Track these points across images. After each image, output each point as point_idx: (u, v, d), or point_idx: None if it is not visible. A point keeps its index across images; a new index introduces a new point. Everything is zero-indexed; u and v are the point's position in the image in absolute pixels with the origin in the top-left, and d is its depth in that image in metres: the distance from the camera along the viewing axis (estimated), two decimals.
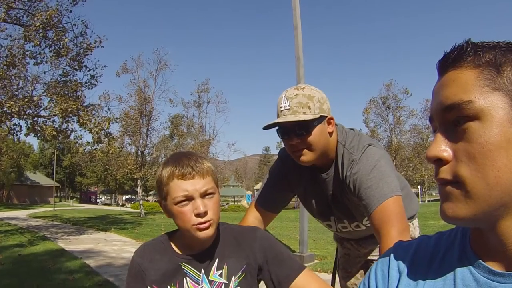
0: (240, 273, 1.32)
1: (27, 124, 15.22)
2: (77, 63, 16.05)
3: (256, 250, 1.35)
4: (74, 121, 15.82)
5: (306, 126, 1.70)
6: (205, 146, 35.30)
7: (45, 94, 15.71)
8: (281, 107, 1.73)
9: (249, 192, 62.19)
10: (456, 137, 0.65)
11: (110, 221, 22.48)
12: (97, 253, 10.42)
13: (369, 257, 2.32)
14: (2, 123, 15.10)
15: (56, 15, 14.77)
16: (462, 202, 0.63)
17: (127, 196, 78.40)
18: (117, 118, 21.57)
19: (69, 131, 16.40)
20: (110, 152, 17.85)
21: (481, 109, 0.62)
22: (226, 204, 52.33)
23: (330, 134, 1.80)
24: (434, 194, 69.00)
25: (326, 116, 1.76)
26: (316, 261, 8.90)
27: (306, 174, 1.97)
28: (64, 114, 14.79)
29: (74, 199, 77.39)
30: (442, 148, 0.66)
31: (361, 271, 2.37)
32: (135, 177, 30.74)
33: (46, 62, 15.54)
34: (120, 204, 68.44)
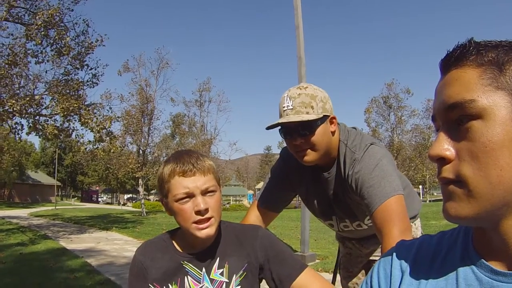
0: (241, 272, 1.32)
1: (29, 123, 15.27)
2: (78, 62, 16.09)
3: (257, 248, 1.35)
4: (75, 120, 15.86)
5: (309, 126, 1.69)
6: (207, 145, 35.31)
7: (46, 93, 15.75)
8: (284, 107, 1.72)
9: (251, 192, 62.17)
10: (459, 136, 0.65)
11: (111, 220, 22.49)
12: (99, 252, 10.42)
13: (371, 257, 2.31)
14: (4, 122, 15.14)
15: (57, 14, 14.79)
16: (465, 201, 0.63)
17: (129, 195, 78.44)
18: (118, 117, 21.59)
19: (70, 130, 16.44)
20: (112, 151, 17.90)
21: (483, 108, 0.62)
22: (228, 203, 52.36)
23: (333, 133, 1.80)
24: (435, 194, 68.90)
25: (329, 116, 1.76)
26: (317, 260, 8.89)
27: (308, 173, 1.97)
28: (65, 113, 14.81)
29: (76, 198, 77.41)
30: (445, 147, 0.66)
31: (363, 271, 2.37)
32: (136, 176, 30.79)
33: (48, 61, 15.58)
34: (122, 203, 68.47)
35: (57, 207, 39.55)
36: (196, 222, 1.24)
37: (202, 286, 1.29)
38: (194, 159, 1.29)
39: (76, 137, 17.43)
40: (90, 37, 16.31)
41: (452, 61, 0.68)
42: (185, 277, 1.30)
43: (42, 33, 14.59)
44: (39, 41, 14.63)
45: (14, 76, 14.88)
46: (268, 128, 1.76)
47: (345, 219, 2.06)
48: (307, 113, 1.69)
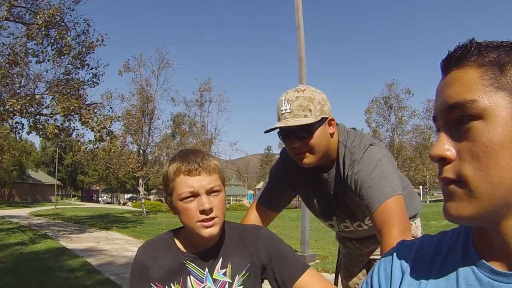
0: (244, 272, 1.32)
1: (29, 122, 15.28)
2: (79, 61, 16.10)
3: (260, 249, 1.35)
4: (76, 120, 15.87)
5: (307, 129, 1.70)
6: (207, 145, 35.33)
7: (47, 92, 15.77)
8: (282, 110, 1.73)
9: (251, 192, 62.18)
10: (459, 136, 0.65)
11: (111, 220, 22.50)
12: (99, 252, 10.43)
13: (371, 257, 2.32)
14: (4, 121, 15.14)
15: (58, 14, 14.80)
16: (466, 201, 0.63)
17: (130, 195, 78.47)
18: (119, 116, 21.54)
19: (71, 130, 16.45)
20: (112, 150, 17.91)
21: (484, 108, 0.62)
22: (228, 203, 52.38)
23: (331, 135, 1.80)
24: (435, 194, 68.88)
25: (327, 118, 1.76)
26: (317, 261, 8.90)
27: (307, 174, 1.97)
28: (66, 112, 14.83)
29: (76, 198, 77.41)
30: (446, 147, 0.66)
31: (363, 271, 2.37)
32: (136, 175, 30.85)
33: (49, 60, 15.60)
34: (122, 202, 68.51)
35: (57, 207, 39.54)
36: (200, 221, 1.24)
37: (204, 286, 1.29)
38: (200, 158, 1.28)
39: (76, 137, 17.50)
40: (90, 36, 16.36)
41: (453, 61, 0.68)
42: (188, 276, 1.30)
43: (43, 32, 14.60)
44: (40, 41, 14.64)
45: (15, 75, 14.90)
46: (267, 131, 1.77)
47: (345, 220, 2.06)
48: (305, 116, 1.69)
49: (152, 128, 31.65)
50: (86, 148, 18.94)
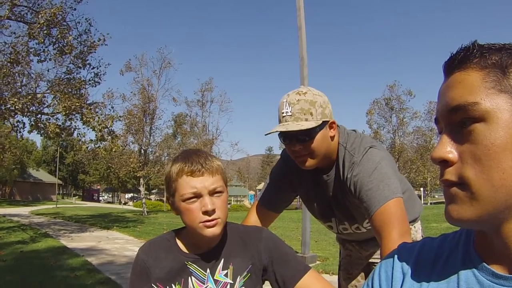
0: (245, 273, 1.31)
1: (31, 121, 15.28)
2: (81, 61, 16.10)
3: (261, 250, 1.35)
4: (77, 119, 15.89)
5: (308, 133, 1.70)
6: (208, 146, 35.36)
7: (48, 91, 15.77)
8: (283, 113, 1.72)
9: (252, 192, 62.21)
10: (461, 138, 0.65)
11: (112, 219, 22.51)
12: (99, 251, 10.43)
13: (370, 260, 2.31)
14: (6, 120, 15.15)
15: (60, 13, 14.80)
16: (467, 204, 0.63)
17: (131, 195, 78.49)
18: (120, 116, 21.57)
19: (72, 129, 16.47)
20: (113, 150, 17.89)
21: (487, 110, 0.62)
22: (229, 204, 52.21)
23: (332, 138, 1.80)
24: (436, 196, 68.88)
25: (328, 121, 1.76)
26: (318, 262, 8.90)
27: (308, 175, 1.97)
28: (67, 111, 14.84)
29: (77, 197, 77.58)
30: (448, 149, 0.66)
31: (362, 274, 2.37)
32: (137, 175, 30.87)
33: (50, 59, 15.60)
34: (123, 202, 68.54)
35: (58, 206, 39.56)
36: (203, 222, 1.24)
37: (206, 287, 1.29)
38: (203, 159, 1.28)
39: (77, 136, 17.52)
40: (92, 36, 16.34)
41: (455, 63, 0.68)
42: (189, 277, 1.30)
43: (45, 31, 14.61)
44: (42, 40, 14.65)
45: (16, 74, 14.91)
46: (267, 134, 1.77)
47: (344, 222, 2.06)
48: (306, 119, 1.68)
49: (153, 128, 31.73)
50: (87, 147, 18.96)
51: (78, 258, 9.16)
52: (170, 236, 1.40)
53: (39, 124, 15.30)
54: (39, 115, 15.52)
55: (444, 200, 0.68)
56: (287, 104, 1.71)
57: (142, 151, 31.45)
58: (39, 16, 14.22)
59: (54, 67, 16.14)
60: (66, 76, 16.12)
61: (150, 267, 1.31)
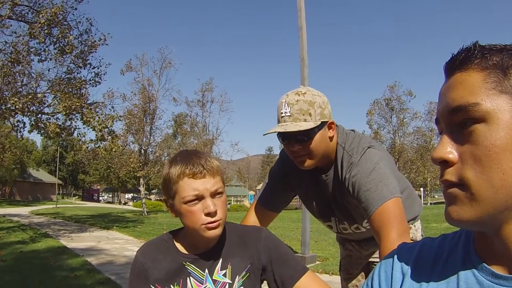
0: (244, 273, 1.31)
1: (31, 121, 15.27)
2: (81, 60, 16.08)
3: (260, 250, 1.35)
4: (77, 119, 15.86)
5: (307, 134, 1.70)
6: (208, 146, 35.33)
7: (49, 91, 15.75)
8: (281, 113, 1.72)
9: (252, 192, 62.23)
10: (462, 139, 0.65)
11: (112, 219, 22.49)
12: (99, 251, 10.43)
13: (370, 259, 2.32)
14: (6, 120, 15.14)
15: (61, 13, 14.79)
16: (467, 205, 0.63)
17: (131, 195, 78.45)
18: (120, 116, 21.55)
19: (72, 129, 16.44)
20: (113, 150, 17.85)
21: (487, 111, 0.62)
22: (229, 204, 52.32)
23: (331, 138, 1.80)
24: (436, 196, 68.87)
25: (327, 121, 1.76)
26: (317, 262, 8.89)
27: (306, 175, 1.97)
28: (67, 111, 14.83)
29: (77, 197, 77.53)
30: (448, 150, 0.66)
31: (362, 273, 2.37)
32: (138, 175, 30.83)
33: (51, 59, 15.58)
34: (123, 202, 68.52)
35: (58, 206, 39.55)
36: (205, 224, 1.24)
37: (205, 287, 1.29)
38: (204, 161, 1.27)
39: (78, 136, 17.49)
40: (93, 36, 16.32)
41: (456, 64, 0.68)
42: (188, 278, 1.29)
43: (45, 31, 14.60)
44: (42, 40, 14.63)
45: (17, 74, 14.90)
46: (265, 134, 1.77)
47: (343, 221, 2.06)
48: (305, 120, 1.68)
49: (153, 128, 31.65)
50: (87, 147, 18.91)
51: (78, 258, 9.15)
52: (167, 237, 1.39)
53: (39, 124, 15.29)
54: (40, 115, 15.50)
55: (444, 200, 0.68)
56: (286, 104, 1.71)
57: (142, 151, 31.40)
58: (40, 16, 14.21)
59: (54, 67, 16.14)
60: (66, 76, 16.11)
61: (148, 269, 1.31)
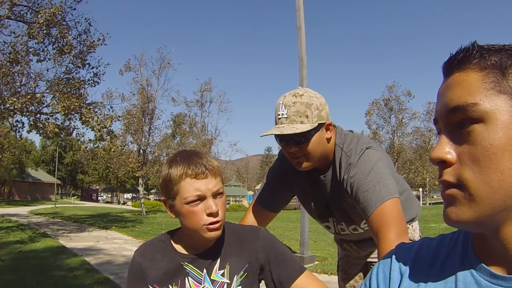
0: (242, 272, 1.31)
1: (30, 121, 15.25)
2: (80, 60, 16.06)
3: (258, 249, 1.35)
4: (76, 119, 15.84)
5: (303, 136, 1.70)
6: (207, 146, 35.33)
7: (48, 91, 15.74)
8: (278, 115, 1.72)
9: (251, 192, 62.21)
10: (460, 139, 0.65)
11: (111, 219, 22.49)
12: (98, 251, 10.43)
13: (368, 259, 2.32)
14: (5, 120, 15.13)
15: (59, 13, 14.77)
16: (466, 205, 0.63)
17: (130, 195, 78.35)
18: (119, 116, 21.56)
19: (71, 129, 16.44)
20: (112, 150, 17.86)
21: (486, 111, 0.62)
22: (228, 204, 52.33)
23: (328, 140, 1.80)
24: (435, 197, 68.92)
25: (325, 123, 1.76)
26: (316, 262, 8.90)
27: (305, 175, 1.96)
28: (66, 111, 14.82)
29: (75, 197, 77.37)
30: (446, 150, 0.65)
31: (360, 274, 2.37)
32: (136, 175, 30.80)
33: (49, 59, 15.55)
34: (122, 202, 68.47)
35: (56, 206, 39.52)
36: (207, 224, 1.23)
37: (203, 287, 1.29)
38: (205, 161, 1.27)
39: (76, 136, 17.50)
40: (92, 36, 16.30)
41: (455, 64, 0.67)
42: (186, 278, 1.29)
43: (44, 31, 14.58)
44: (41, 39, 14.61)
45: (16, 74, 14.87)
46: (263, 136, 1.77)
47: (341, 222, 2.06)
48: (302, 122, 1.68)
49: (152, 128, 31.64)
50: (86, 147, 18.92)
51: (76, 258, 9.15)
52: (165, 237, 1.39)
53: (38, 124, 15.27)
54: (38, 115, 15.49)
55: (442, 201, 0.68)
56: (283, 106, 1.71)
57: (141, 151, 31.39)
58: (39, 16, 14.18)
59: (53, 67, 16.11)
60: (65, 76, 16.08)
61: (146, 269, 1.31)
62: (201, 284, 1.29)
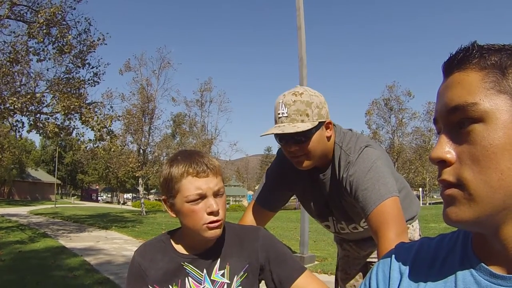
0: (242, 272, 1.31)
1: (30, 121, 15.24)
2: (80, 60, 16.06)
3: (258, 249, 1.35)
4: (76, 119, 15.83)
5: (304, 134, 1.69)
6: (207, 146, 35.32)
7: (47, 91, 15.74)
8: (278, 114, 1.72)
9: (250, 192, 62.21)
10: (460, 139, 0.65)
11: (111, 219, 22.49)
12: (98, 251, 10.43)
13: (368, 259, 2.31)
14: (5, 119, 15.13)
15: (59, 12, 14.76)
16: (465, 205, 0.63)
17: (130, 194, 78.31)
18: (119, 116, 21.51)
19: (71, 128, 16.43)
20: (112, 150, 17.86)
21: (485, 111, 0.62)
22: (227, 204, 52.17)
23: (328, 138, 1.80)
24: (435, 196, 68.85)
25: (325, 121, 1.76)
26: (316, 262, 8.90)
27: (304, 174, 1.96)
28: (66, 111, 14.81)
29: (75, 197, 77.34)
30: (446, 149, 0.65)
31: (360, 273, 2.37)
32: (136, 175, 30.80)
33: (49, 59, 15.54)
34: (122, 202, 68.46)
35: (56, 206, 39.51)
36: (207, 223, 1.23)
37: (203, 287, 1.28)
38: (207, 160, 1.27)
39: (76, 136, 17.46)
40: (92, 35, 16.28)
41: (455, 63, 0.67)
42: (186, 278, 1.29)
43: (44, 31, 14.57)
44: (41, 39, 14.60)
45: (16, 73, 14.86)
46: (262, 135, 1.77)
47: (341, 221, 2.06)
48: (302, 121, 1.68)
49: (152, 127, 31.64)
50: (86, 147, 18.89)
51: (76, 258, 9.15)
52: (165, 237, 1.39)
53: (38, 124, 15.26)
54: (38, 115, 15.48)
55: (442, 201, 0.68)
56: (283, 105, 1.71)
57: (141, 151, 31.39)
58: (39, 16, 14.17)
59: (53, 67, 16.10)
60: (65, 76, 16.08)
61: (146, 269, 1.31)
62: (201, 284, 1.28)
